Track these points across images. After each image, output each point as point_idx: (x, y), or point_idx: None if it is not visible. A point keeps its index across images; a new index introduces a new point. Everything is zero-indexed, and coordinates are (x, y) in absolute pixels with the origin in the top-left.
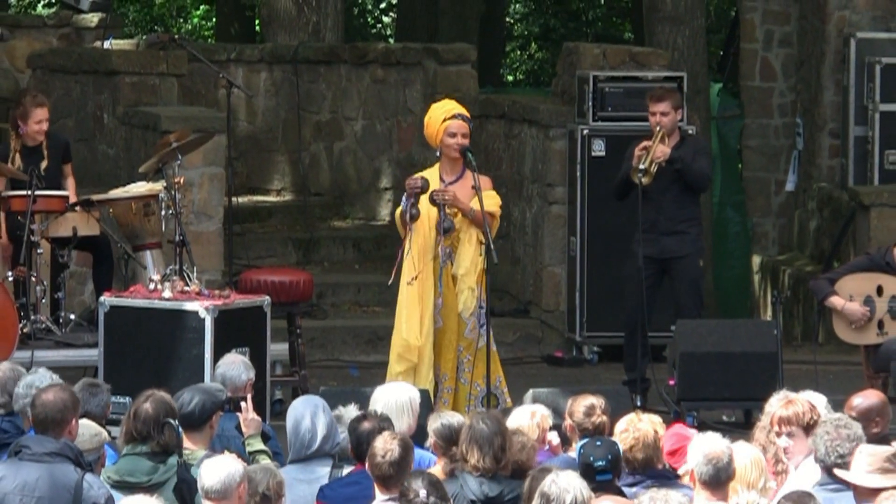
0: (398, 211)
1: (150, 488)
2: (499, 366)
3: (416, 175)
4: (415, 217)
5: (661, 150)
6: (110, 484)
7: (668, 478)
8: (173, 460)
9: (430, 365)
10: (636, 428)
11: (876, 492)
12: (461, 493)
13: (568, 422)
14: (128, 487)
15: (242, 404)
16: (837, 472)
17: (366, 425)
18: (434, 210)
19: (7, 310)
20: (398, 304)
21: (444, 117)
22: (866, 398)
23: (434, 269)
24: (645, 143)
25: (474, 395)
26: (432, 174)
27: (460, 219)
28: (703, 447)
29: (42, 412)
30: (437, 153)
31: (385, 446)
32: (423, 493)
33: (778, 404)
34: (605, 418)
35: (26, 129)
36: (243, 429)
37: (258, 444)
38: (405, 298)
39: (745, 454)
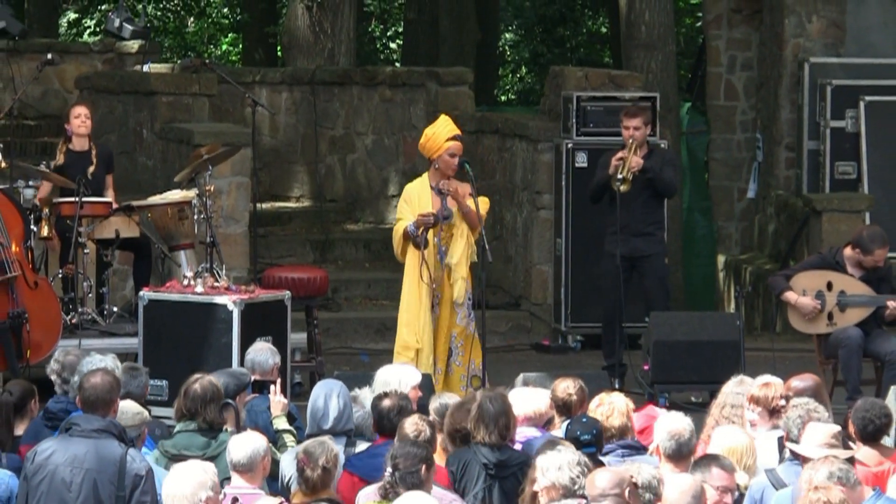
0: (401, 228)
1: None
2: (479, 351)
3: (424, 212)
4: (425, 246)
5: (636, 161)
6: (168, 457)
7: (637, 449)
8: (224, 436)
9: (429, 352)
10: (610, 401)
11: None
12: (474, 459)
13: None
14: (184, 460)
15: (272, 387)
16: (789, 445)
17: (386, 402)
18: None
19: (52, 304)
20: (400, 306)
21: (447, 137)
22: (803, 381)
23: (434, 267)
24: (620, 154)
25: (466, 377)
26: (423, 181)
27: (456, 212)
28: (667, 425)
29: (92, 394)
30: (434, 164)
31: (417, 427)
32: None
33: (734, 386)
34: (575, 397)
35: (70, 128)
36: (272, 409)
37: (283, 424)
38: (406, 303)
39: (740, 440)
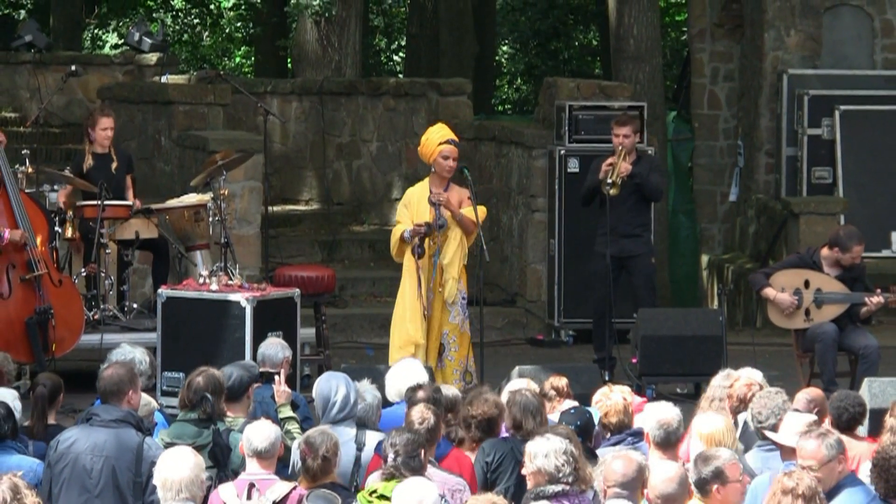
0: (398, 232)
1: (193, 449)
2: (470, 347)
3: (419, 222)
4: (420, 255)
5: (625, 167)
6: (164, 444)
7: (642, 435)
8: (218, 427)
9: (422, 349)
10: (608, 397)
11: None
12: (510, 454)
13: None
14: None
15: (276, 377)
16: (768, 433)
17: (420, 394)
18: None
19: (75, 300)
20: (397, 304)
21: (438, 141)
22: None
23: (428, 269)
24: (610, 160)
25: (459, 371)
26: (423, 185)
27: (449, 218)
28: (656, 414)
29: (106, 385)
30: (431, 168)
31: (422, 415)
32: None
33: (721, 380)
34: (553, 391)
35: (94, 135)
36: (276, 398)
37: (287, 412)
38: (407, 300)
39: (719, 423)
